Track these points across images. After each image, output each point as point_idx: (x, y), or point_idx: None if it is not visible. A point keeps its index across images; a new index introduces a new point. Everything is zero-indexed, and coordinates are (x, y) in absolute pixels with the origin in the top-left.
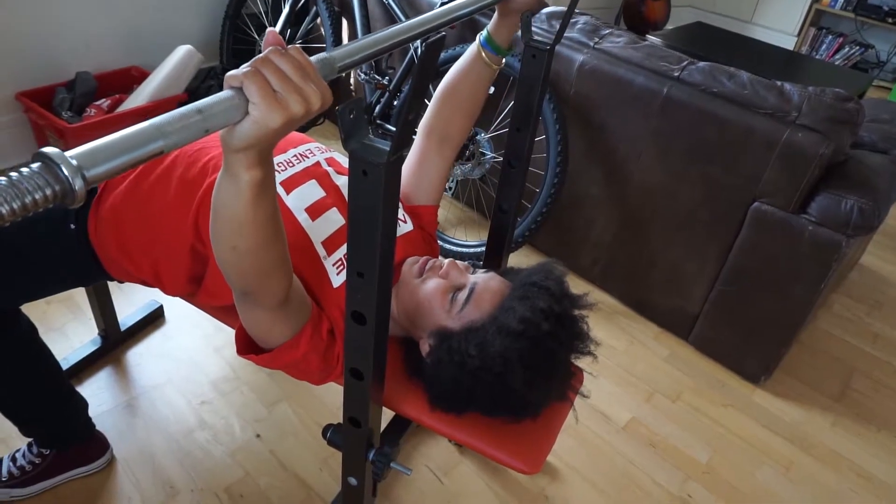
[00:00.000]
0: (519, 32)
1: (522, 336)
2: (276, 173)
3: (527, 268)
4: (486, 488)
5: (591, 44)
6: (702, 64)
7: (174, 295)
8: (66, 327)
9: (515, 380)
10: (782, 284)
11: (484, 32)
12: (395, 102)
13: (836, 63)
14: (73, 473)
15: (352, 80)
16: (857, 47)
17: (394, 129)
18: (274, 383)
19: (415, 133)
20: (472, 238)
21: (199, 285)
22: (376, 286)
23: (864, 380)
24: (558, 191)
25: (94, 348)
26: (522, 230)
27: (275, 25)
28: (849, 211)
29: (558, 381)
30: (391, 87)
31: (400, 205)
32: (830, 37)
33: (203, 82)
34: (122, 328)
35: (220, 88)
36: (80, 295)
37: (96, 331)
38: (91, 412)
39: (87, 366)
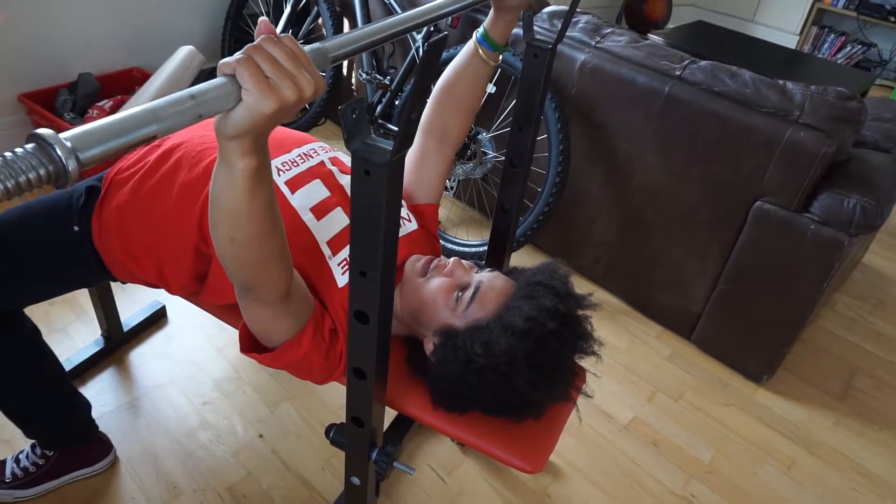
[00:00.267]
0: (519, 30)
1: (528, 335)
2: (281, 173)
3: (531, 267)
4: (488, 488)
5: (593, 43)
6: (703, 63)
7: (178, 294)
8: (69, 328)
9: (521, 379)
10: (784, 283)
11: (480, 29)
12: (397, 102)
13: (839, 62)
14: (77, 474)
15: (353, 80)
16: (860, 46)
17: (395, 128)
18: (276, 383)
19: None
20: (474, 237)
21: (202, 284)
22: (379, 285)
23: (867, 379)
24: (560, 190)
25: (96, 349)
26: (524, 229)
27: (276, 26)
28: (851, 210)
29: (562, 380)
30: (392, 87)
31: (403, 204)
32: (832, 35)
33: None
34: (125, 329)
35: None
36: (82, 296)
37: (99, 331)
38: (94, 413)
39: (90, 366)
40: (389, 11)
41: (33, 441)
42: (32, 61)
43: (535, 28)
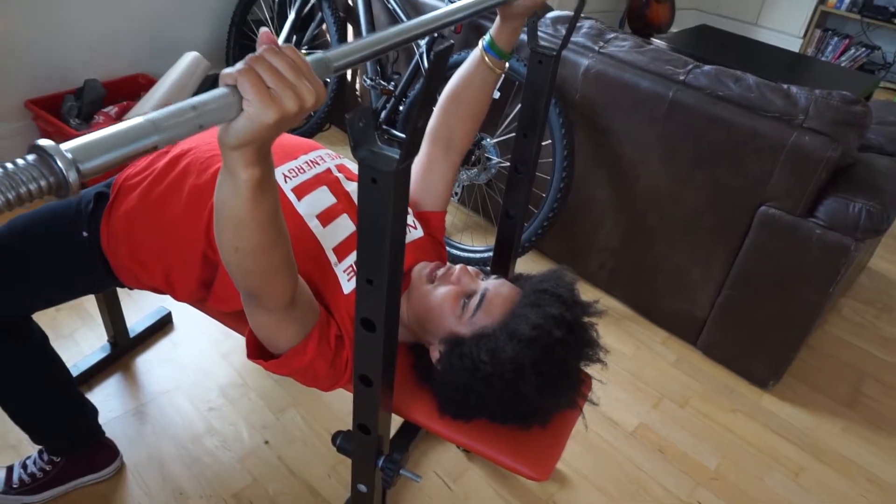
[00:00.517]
0: (523, 36)
1: (534, 343)
2: (288, 179)
3: (537, 274)
4: (494, 495)
5: (597, 48)
6: (707, 67)
7: (184, 301)
8: (76, 334)
9: (527, 386)
10: (790, 288)
11: (486, 37)
12: (401, 108)
13: (843, 65)
14: (84, 480)
15: (357, 86)
16: (864, 49)
17: (399, 134)
18: (282, 389)
19: None
20: (479, 243)
21: (209, 290)
22: (385, 293)
23: (875, 384)
24: (564, 195)
25: (103, 355)
26: (529, 235)
27: (280, 31)
28: (857, 214)
29: (569, 387)
30: (397, 93)
31: (410, 211)
32: (836, 38)
33: (209, 89)
34: (131, 335)
35: None
36: (89, 302)
37: (105, 337)
38: (101, 419)
39: (96, 372)
40: (393, 17)
41: (40, 447)
42: (39, 68)
43: (538, 34)
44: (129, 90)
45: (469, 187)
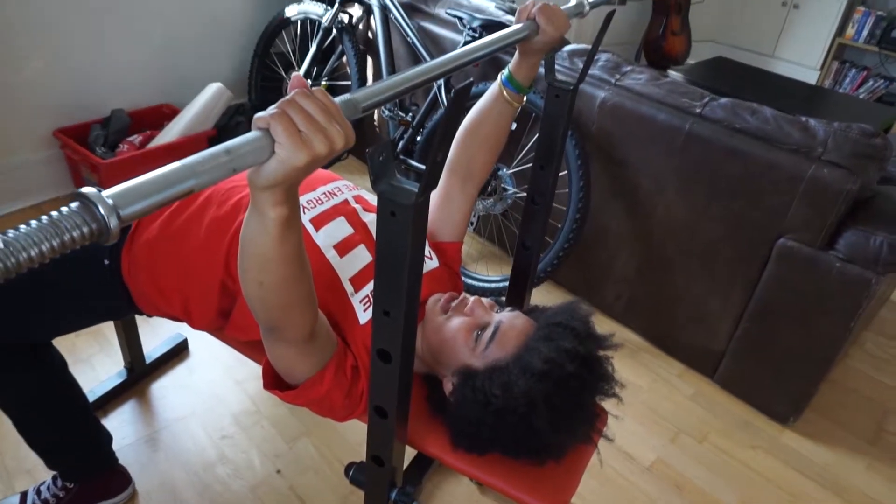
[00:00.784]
0: (540, 69)
1: (547, 377)
2: (306, 210)
3: (552, 306)
4: None
5: (613, 81)
6: (724, 100)
7: (202, 329)
8: (93, 359)
9: (540, 421)
10: (810, 322)
11: (505, 71)
12: (418, 138)
13: (860, 97)
14: None
15: (375, 116)
16: (882, 80)
17: (417, 164)
18: (295, 418)
19: None
20: (494, 273)
21: (227, 319)
22: (402, 325)
23: None
24: (581, 227)
25: (119, 381)
26: (545, 266)
27: (302, 63)
28: (878, 247)
29: (582, 422)
30: (414, 124)
31: (426, 242)
32: (854, 70)
33: (231, 118)
34: (148, 361)
35: (249, 124)
36: (107, 327)
37: (122, 363)
38: (115, 445)
39: (112, 398)
40: (412, 49)
41: (55, 472)
42: (69, 98)
43: (556, 67)
44: (153, 119)
45: (485, 217)
